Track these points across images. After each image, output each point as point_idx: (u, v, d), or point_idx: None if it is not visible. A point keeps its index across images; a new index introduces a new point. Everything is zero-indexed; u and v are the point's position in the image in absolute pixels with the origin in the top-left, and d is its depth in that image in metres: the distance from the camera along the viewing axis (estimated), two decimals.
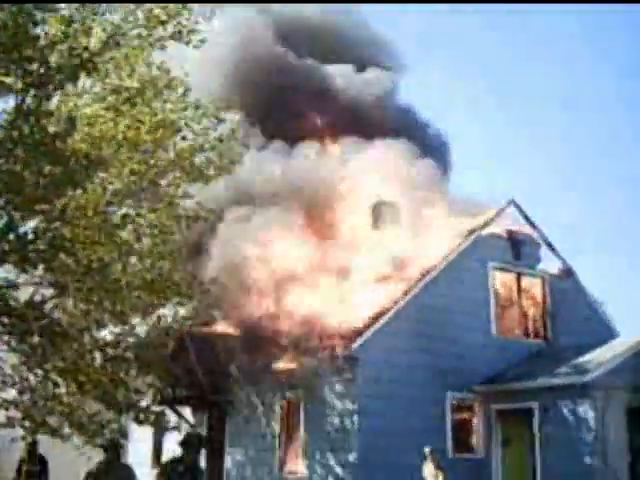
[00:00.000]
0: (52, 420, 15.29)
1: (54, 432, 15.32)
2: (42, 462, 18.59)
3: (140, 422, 16.59)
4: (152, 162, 14.46)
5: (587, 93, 53.31)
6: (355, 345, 18.21)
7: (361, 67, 25.87)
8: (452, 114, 46.83)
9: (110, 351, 15.95)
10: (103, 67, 12.85)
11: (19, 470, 18.46)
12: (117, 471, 11.61)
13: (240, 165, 17.23)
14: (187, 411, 21.95)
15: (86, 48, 12.02)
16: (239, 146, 16.53)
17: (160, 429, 17.86)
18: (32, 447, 18.29)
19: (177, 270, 16.00)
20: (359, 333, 18.54)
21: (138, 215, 14.87)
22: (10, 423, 14.69)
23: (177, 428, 18.05)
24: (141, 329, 16.62)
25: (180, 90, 14.64)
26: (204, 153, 15.71)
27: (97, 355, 15.92)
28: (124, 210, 14.94)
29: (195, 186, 16.11)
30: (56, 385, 15.45)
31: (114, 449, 11.76)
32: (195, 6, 13.80)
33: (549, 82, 52.06)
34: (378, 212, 20.23)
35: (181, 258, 16.58)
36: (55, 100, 13.12)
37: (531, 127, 53.35)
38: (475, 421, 19.87)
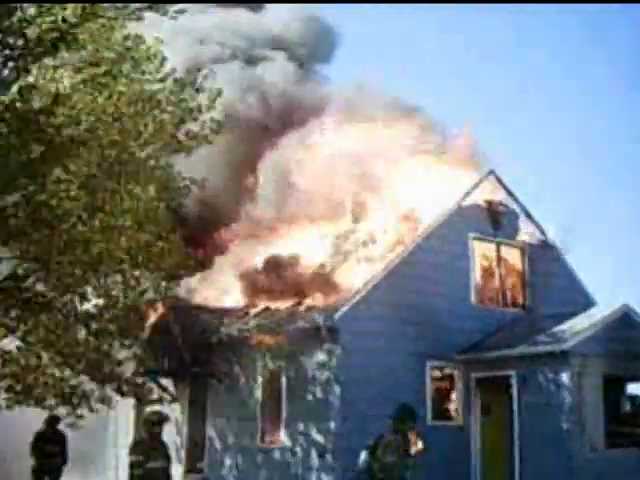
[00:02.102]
0: (36, 391, 15.40)
1: (38, 402, 15.45)
2: (61, 440, 17.33)
3: (122, 393, 16.69)
4: (133, 134, 14.47)
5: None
6: (337, 315, 18.37)
7: None
8: None
9: (94, 325, 16.05)
10: (80, 39, 12.79)
11: (37, 448, 17.08)
12: (162, 447, 11.43)
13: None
14: (169, 383, 22.08)
15: (64, 20, 11.99)
16: (220, 115, 16.48)
17: (143, 401, 17.93)
18: (52, 423, 17.15)
19: (159, 244, 16.04)
20: (341, 303, 18.73)
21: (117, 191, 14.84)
22: None
23: (160, 401, 18.12)
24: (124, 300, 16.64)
25: (157, 61, 14.59)
26: (184, 125, 15.71)
27: (81, 328, 16.02)
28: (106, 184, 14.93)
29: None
30: (39, 357, 15.56)
31: (159, 425, 11.39)
32: None
33: None
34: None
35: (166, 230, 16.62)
36: (33, 73, 13.06)
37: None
38: (454, 389, 20.11)
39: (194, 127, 15.88)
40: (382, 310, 18.99)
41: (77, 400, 15.85)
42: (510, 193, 21.66)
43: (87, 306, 15.95)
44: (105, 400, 16.39)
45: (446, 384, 20.12)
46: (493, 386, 19.63)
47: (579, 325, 18.96)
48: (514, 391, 18.86)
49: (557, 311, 20.49)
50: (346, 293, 19.10)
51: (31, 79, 12.78)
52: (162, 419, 11.50)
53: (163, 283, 16.78)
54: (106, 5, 12.86)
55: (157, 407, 15.58)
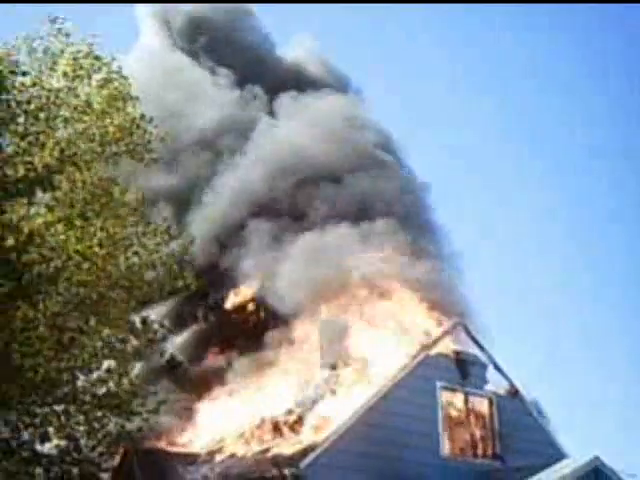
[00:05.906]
0: None
1: None
2: None
3: None
4: (103, 275, 14.66)
5: None
6: (302, 464, 18.08)
7: None
8: None
9: (54, 469, 15.71)
10: (56, 179, 13.21)
11: None
12: None
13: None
14: None
15: (43, 165, 12.43)
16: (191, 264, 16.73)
17: None
18: None
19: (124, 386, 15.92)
20: (307, 451, 18.47)
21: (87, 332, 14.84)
22: None
23: None
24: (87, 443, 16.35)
25: (132, 204, 14.99)
26: (155, 270, 15.89)
27: (39, 471, 15.68)
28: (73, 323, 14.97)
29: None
30: None
31: None
32: (148, 125, 14.36)
33: None
34: (324, 329, 20.57)
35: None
36: (7, 211, 13.38)
37: None
38: None
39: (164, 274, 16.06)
40: (349, 460, 18.70)
41: None
42: (477, 343, 21.87)
43: (48, 446, 15.68)
44: None
45: None
46: None
47: (550, 478, 18.75)
48: None
49: (528, 463, 20.29)
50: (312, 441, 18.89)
51: (5, 217, 13.09)
52: None
53: (128, 424, 16.53)
54: (83, 147, 13.35)
55: None
